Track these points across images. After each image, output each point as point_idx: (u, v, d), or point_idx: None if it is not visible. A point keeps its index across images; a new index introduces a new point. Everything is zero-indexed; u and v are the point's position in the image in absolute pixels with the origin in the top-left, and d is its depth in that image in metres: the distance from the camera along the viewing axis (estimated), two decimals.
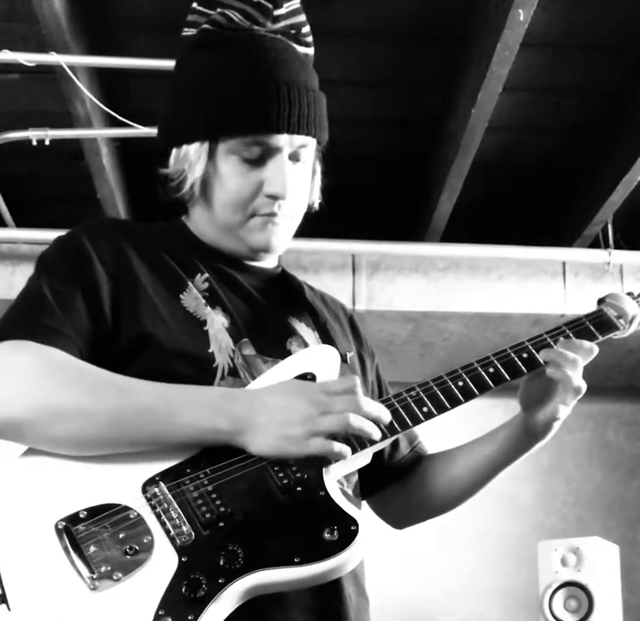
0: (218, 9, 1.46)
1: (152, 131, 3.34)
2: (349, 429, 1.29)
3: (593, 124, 3.75)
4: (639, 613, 4.75)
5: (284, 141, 1.44)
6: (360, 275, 4.22)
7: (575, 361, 1.47)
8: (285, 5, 1.48)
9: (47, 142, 3.41)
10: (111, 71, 3.34)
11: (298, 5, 1.50)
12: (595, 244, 4.23)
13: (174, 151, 1.49)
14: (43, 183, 4.03)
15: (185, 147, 1.47)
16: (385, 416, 1.34)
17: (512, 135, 3.83)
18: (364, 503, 1.61)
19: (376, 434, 1.31)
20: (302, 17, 1.51)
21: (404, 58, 3.40)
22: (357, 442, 1.33)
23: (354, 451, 1.32)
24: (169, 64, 3.18)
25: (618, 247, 4.21)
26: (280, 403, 1.30)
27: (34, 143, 3.41)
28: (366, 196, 3.81)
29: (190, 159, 1.47)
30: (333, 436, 1.29)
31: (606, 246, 4.20)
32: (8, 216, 4.01)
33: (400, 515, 1.70)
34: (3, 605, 1.21)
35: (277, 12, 1.47)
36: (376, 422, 1.32)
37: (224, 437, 1.30)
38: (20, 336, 1.33)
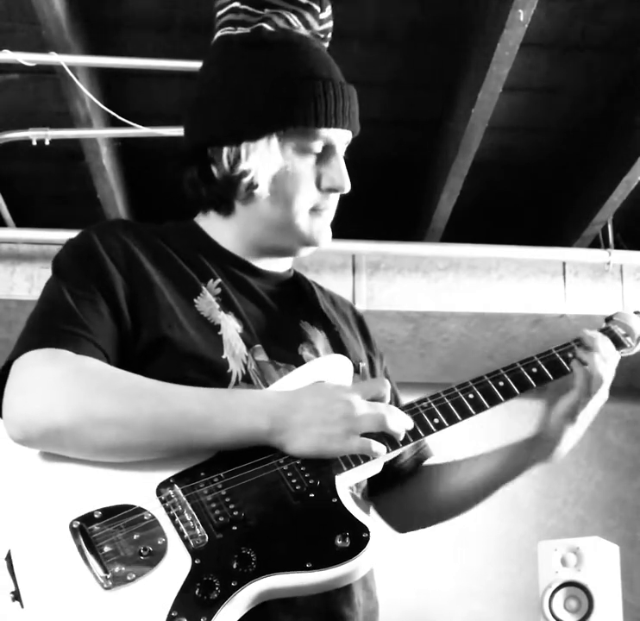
0: (266, 10, 1.48)
1: (152, 131, 3.34)
2: (386, 429, 1.33)
3: (593, 124, 3.75)
4: (639, 613, 4.75)
5: (339, 136, 1.50)
6: (360, 275, 4.22)
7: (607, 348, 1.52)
8: (327, 9, 1.53)
9: (47, 142, 3.41)
10: (111, 71, 3.34)
11: (331, 10, 1.55)
12: (595, 244, 4.23)
13: (227, 149, 1.47)
14: (43, 183, 4.03)
15: (247, 145, 1.46)
16: (409, 421, 1.38)
17: (512, 135, 3.83)
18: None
19: (402, 435, 1.36)
20: (332, 22, 1.55)
21: (404, 58, 3.40)
22: (389, 442, 1.36)
23: (387, 451, 1.35)
24: (169, 64, 3.20)
25: (618, 247, 4.21)
26: (318, 402, 1.32)
27: (34, 143, 3.41)
28: (366, 196, 3.80)
29: (259, 155, 1.46)
30: (368, 436, 1.33)
31: (606, 246, 4.20)
32: (8, 216, 4.00)
33: (402, 519, 1.71)
34: (17, 603, 1.23)
35: (321, 16, 1.52)
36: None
37: (262, 437, 1.31)
38: (51, 345, 1.34)
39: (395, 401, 1.68)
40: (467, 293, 4.26)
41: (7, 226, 4.05)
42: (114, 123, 3.42)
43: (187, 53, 3.21)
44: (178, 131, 3.39)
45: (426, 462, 1.69)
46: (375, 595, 1.48)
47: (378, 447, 1.32)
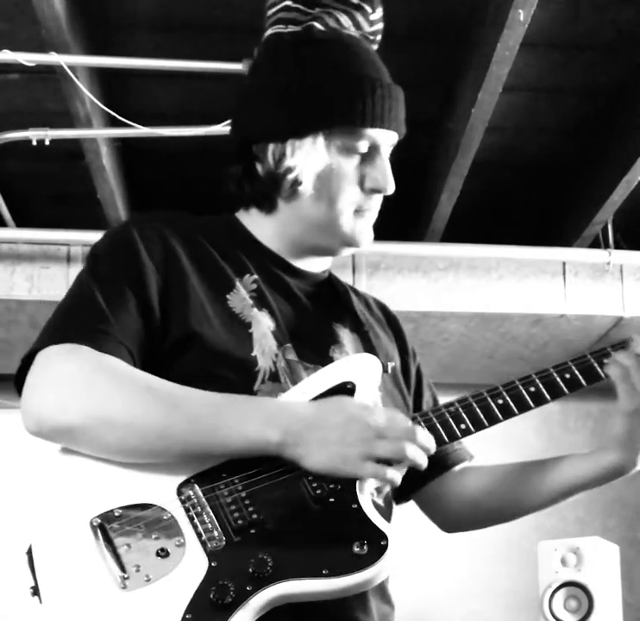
0: (318, 9, 1.48)
1: (152, 131, 3.34)
2: (404, 459, 1.29)
3: (593, 124, 3.75)
4: (639, 613, 4.75)
5: (385, 136, 1.50)
6: (360, 275, 4.22)
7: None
8: (378, 10, 1.52)
9: (47, 142, 3.41)
10: (111, 71, 3.34)
11: (382, 11, 1.54)
12: (595, 244, 4.22)
13: (272, 146, 1.46)
14: (43, 183, 4.03)
15: (293, 142, 1.45)
16: (433, 447, 1.34)
17: (512, 135, 3.83)
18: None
19: (425, 464, 1.32)
20: (382, 23, 1.54)
21: (404, 58, 3.40)
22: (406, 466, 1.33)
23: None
24: (169, 64, 3.20)
25: (618, 247, 4.21)
26: (339, 420, 1.29)
27: (34, 143, 3.41)
28: None
29: (305, 153, 1.45)
30: (384, 461, 1.29)
31: (606, 246, 4.20)
32: (8, 216, 4.00)
33: (446, 517, 1.69)
34: (36, 598, 1.25)
35: (372, 17, 1.51)
36: (425, 452, 1.33)
37: (273, 449, 1.29)
38: (74, 340, 1.34)
39: (433, 398, 1.67)
40: (467, 293, 4.26)
41: (7, 226, 4.05)
42: (114, 123, 3.42)
43: (187, 53, 3.21)
44: (178, 131, 3.40)
45: (467, 463, 1.66)
46: (390, 598, 1.48)
47: (392, 475, 1.29)
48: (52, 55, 3.01)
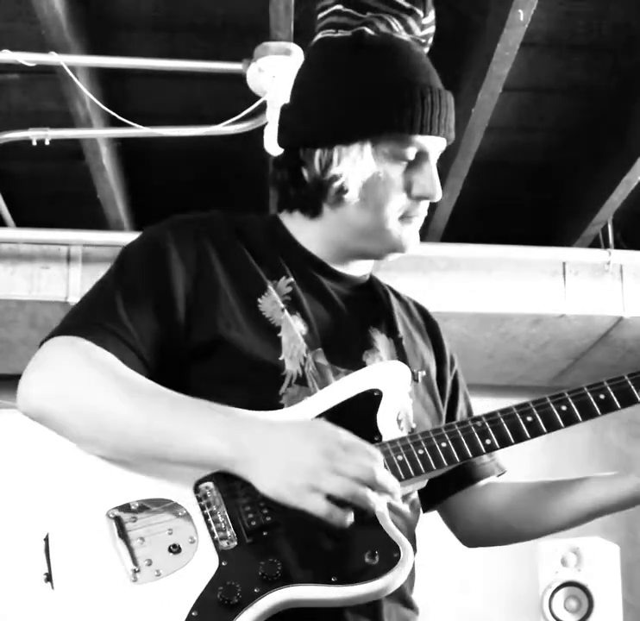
0: (369, 14, 1.46)
1: (152, 131, 3.34)
2: (353, 500, 1.21)
3: (593, 124, 3.75)
4: (639, 613, 4.75)
5: (434, 143, 1.48)
6: None
7: None
8: (430, 14, 1.51)
9: (47, 142, 3.41)
10: (111, 71, 3.34)
11: (434, 15, 1.52)
12: (595, 244, 4.23)
13: (319, 152, 1.45)
14: (43, 183, 4.03)
15: (340, 149, 1.44)
16: (398, 494, 1.26)
17: (512, 135, 3.83)
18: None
19: (379, 509, 1.24)
20: (434, 27, 1.53)
21: None
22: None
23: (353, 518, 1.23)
24: (169, 64, 3.21)
25: (618, 246, 4.21)
26: (292, 444, 1.24)
27: (34, 143, 3.41)
28: None
29: (352, 160, 1.44)
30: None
31: (606, 246, 4.20)
32: (8, 216, 4.01)
33: (466, 530, 1.66)
34: (49, 584, 1.27)
35: (424, 21, 1.50)
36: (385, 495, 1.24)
37: (226, 465, 1.27)
38: (79, 334, 1.35)
39: (467, 408, 1.66)
40: (467, 293, 4.26)
41: (7, 226, 4.05)
42: (114, 123, 3.42)
43: (187, 53, 3.21)
44: (178, 131, 3.40)
45: (493, 478, 1.64)
46: (413, 603, 1.45)
47: (338, 517, 1.21)
48: (52, 55, 3.01)
